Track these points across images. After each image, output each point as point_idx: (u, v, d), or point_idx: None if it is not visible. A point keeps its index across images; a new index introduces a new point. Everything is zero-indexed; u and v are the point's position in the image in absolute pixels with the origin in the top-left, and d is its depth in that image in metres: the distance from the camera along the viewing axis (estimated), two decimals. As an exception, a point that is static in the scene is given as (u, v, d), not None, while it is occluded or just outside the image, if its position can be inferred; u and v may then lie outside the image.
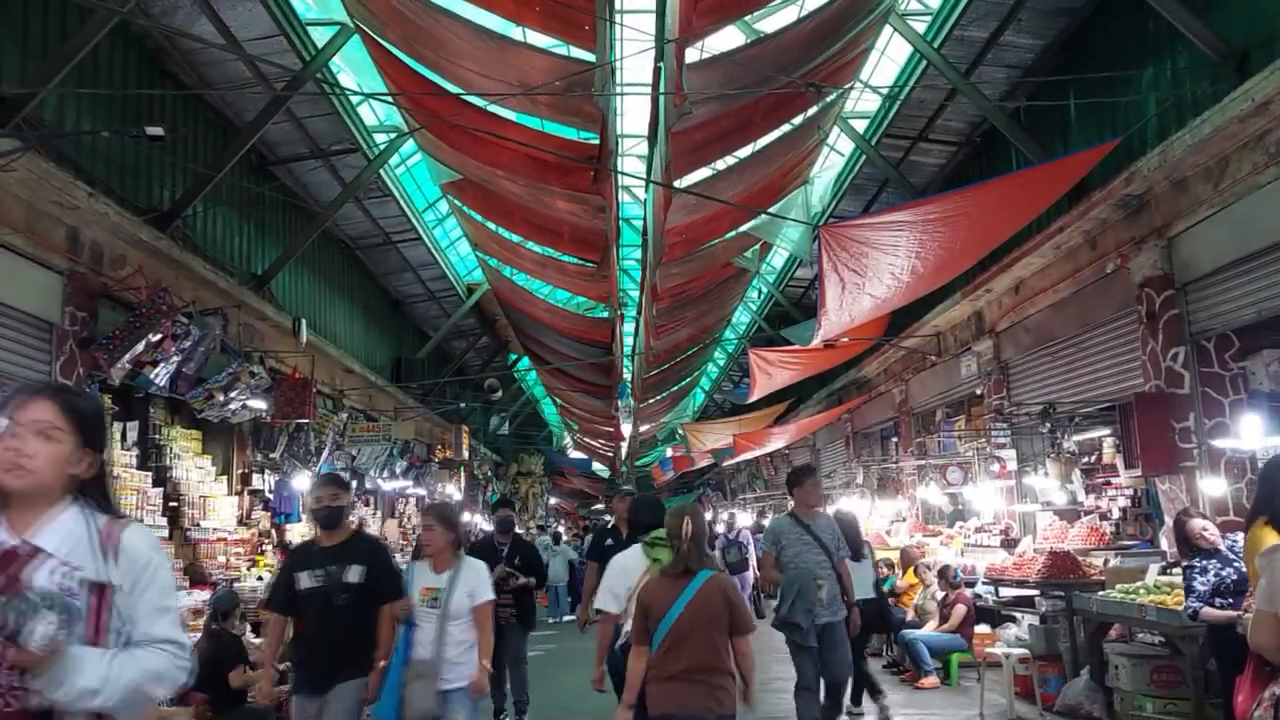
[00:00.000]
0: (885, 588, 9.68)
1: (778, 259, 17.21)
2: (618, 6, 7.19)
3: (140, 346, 8.07)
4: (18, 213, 7.11)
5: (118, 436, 9.01)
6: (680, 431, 26.45)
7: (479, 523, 24.44)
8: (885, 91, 11.05)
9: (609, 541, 7.22)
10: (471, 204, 11.74)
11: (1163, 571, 7.21)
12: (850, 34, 8.00)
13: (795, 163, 10.61)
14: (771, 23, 10.00)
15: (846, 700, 7.03)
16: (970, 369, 12.19)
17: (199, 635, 6.77)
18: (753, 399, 17.97)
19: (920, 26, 9.58)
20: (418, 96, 8.71)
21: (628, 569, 4.74)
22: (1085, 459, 10.56)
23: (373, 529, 16.84)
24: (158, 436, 10.05)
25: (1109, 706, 6.99)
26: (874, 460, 17.16)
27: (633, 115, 12.18)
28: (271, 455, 11.98)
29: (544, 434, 35.46)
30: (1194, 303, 7.70)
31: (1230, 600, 5.56)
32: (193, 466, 10.42)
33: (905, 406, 15.20)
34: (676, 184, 9.03)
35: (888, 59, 11.08)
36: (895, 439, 16.19)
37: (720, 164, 10.35)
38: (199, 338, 8.75)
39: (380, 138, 11.97)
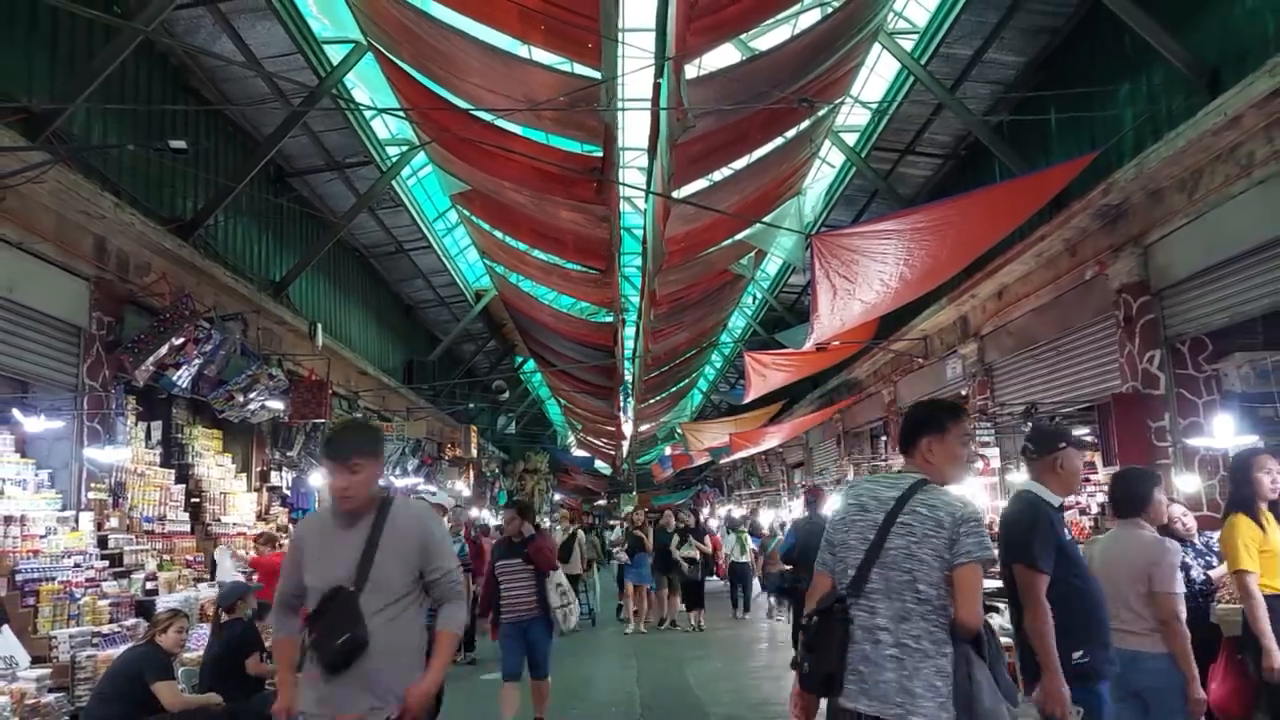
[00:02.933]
0: None
1: (772, 266, 17.40)
2: (619, 25, 7.35)
3: (164, 350, 8.39)
4: (47, 222, 7.42)
5: (142, 435, 9.30)
6: (679, 431, 26.47)
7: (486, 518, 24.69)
8: (875, 106, 11.26)
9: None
10: (480, 214, 11.96)
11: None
12: (841, 51, 8.18)
13: (789, 174, 10.78)
14: (766, 40, 10.19)
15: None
16: (956, 371, 12.44)
17: (209, 627, 6.78)
18: (748, 400, 18.11)
19: (908, 44, 9.82)
20: (428, 111, 8.92)
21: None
22: (1065, 457, 10.72)
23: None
24: (180, 435, 10.32)
25: (1088, 692, 7.20)
26: (864, 458, 17.31)
27: (632, 129, 12.31)
28: (289, 453, 12.27)
29: (549, 433, 35.62)
30: (1169, 308, 7.93)
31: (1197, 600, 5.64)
32: (214, 464, 10.68)
33: (894, 406, 15.41)
34: (676, 194, 9.20)
35: (877, 75, 11.26)
36: (885, 437, 16.34)
37: (717, 175, 10.48)
38: (220, 341, 9.06)
39: (393, 150, 12.27)
